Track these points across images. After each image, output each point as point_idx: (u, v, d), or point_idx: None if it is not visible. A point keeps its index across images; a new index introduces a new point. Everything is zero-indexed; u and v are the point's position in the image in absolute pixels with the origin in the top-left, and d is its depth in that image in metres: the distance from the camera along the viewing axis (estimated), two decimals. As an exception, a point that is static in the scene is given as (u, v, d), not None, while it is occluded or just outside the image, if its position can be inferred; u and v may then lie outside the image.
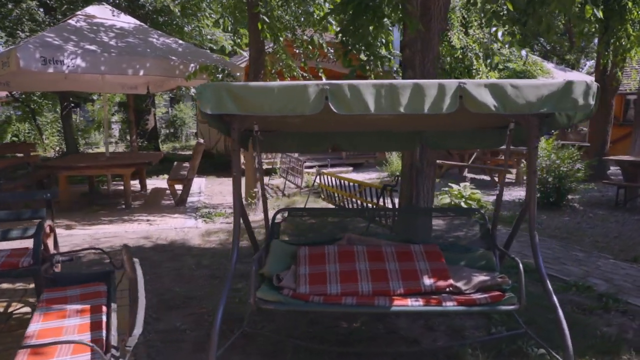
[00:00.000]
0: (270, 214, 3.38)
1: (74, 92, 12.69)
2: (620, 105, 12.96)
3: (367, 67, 3.58)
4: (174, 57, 6.78)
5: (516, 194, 8.60)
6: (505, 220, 6.54)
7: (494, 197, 8.44)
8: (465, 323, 3.31)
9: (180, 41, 7.72)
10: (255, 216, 7.16)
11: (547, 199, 7.29)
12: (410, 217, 3.50)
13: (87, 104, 18.57)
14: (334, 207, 6.85)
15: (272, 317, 3.38)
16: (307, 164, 11.86)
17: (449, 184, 7.56)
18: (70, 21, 6.77)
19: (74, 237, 5.81)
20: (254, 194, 7.07)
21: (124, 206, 7.38)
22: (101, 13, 7.19)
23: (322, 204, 7.46)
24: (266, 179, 10.76)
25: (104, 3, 7.60)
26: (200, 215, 6.76)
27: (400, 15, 3.42)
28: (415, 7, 3.65)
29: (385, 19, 3.48)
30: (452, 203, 7.08)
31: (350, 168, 11.84)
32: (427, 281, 2.78)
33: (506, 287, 2.70)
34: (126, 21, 7.39)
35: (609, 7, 8.05)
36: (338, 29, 4.01)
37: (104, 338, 1.98)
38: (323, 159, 12.19)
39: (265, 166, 11.35)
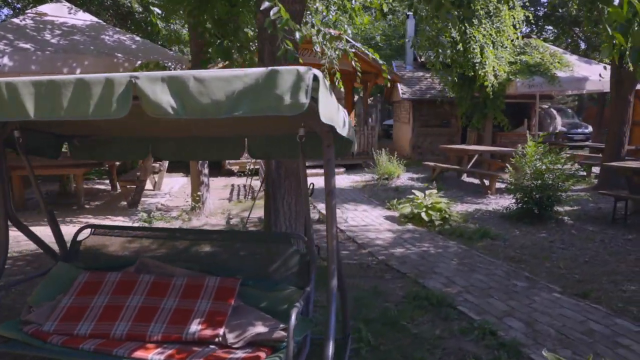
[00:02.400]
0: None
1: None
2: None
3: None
4: (119, 54, 6.53)
5: (509, 202, 7.52)
6: (464, 234, 5.66)
7: (477, 206, 7.53)
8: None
9: (137, 38, 7.48)
10: (199, 221, 6.79)
11: (530, 211, 6.26)
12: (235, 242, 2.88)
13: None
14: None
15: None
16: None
17: (413, 191, 6.75)
18: (14, 19, 6.73)
19: None
20: (197, 198, 6.70)
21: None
22: (55, 11, 7.09)
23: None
24: (247, 180, 10.37)
25: (62, 0, 7.49)
26: (140, 219, 6.48)
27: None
28: None
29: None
30: (413, 213, 6.30)
31: (342, 169, 11.14)
32: (194, 327, 2.20)
33: (282, 345, 2.06)
34: (82, 19, 7.25)
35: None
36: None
37: None
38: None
39: (254, 166, 10.97)
